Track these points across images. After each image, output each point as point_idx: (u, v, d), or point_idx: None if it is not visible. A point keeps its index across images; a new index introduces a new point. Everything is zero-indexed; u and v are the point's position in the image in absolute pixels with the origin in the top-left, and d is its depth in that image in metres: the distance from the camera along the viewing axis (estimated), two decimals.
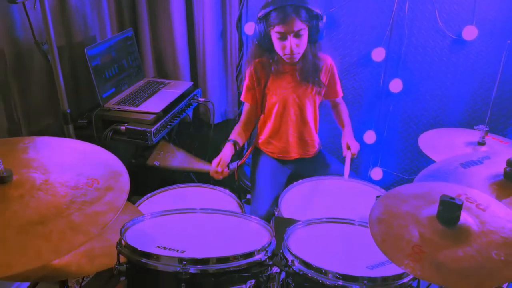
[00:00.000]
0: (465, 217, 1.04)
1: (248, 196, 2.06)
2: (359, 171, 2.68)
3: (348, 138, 1.97)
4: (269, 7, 1.76)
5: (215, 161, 1.79)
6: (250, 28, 2.42)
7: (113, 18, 2.39)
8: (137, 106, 2.14)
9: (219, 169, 1.77)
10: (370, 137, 2.55)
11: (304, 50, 1.85)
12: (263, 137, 2.05)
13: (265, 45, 1.85)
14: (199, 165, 1.81)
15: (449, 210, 1.00)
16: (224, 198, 1.71)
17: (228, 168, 1.80)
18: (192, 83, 2.49)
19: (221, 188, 1.75)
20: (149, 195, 1.70)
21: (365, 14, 2.32)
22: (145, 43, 2.53)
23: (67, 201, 1.05)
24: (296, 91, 1.93)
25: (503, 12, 2.16)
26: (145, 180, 2.16)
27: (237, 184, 2.23)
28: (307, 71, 1.89)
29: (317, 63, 1.91)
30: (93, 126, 2.07)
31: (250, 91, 1.97)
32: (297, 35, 1.78)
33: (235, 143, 1.90)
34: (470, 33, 2.21)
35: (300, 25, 1.76)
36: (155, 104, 2.17)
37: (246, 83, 1.98)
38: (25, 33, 1.91)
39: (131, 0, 2.48)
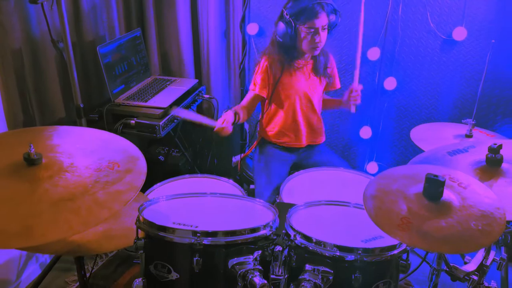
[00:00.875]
0: (448, 194, 1.16)
1: (252, 186, 2.17)
2: (356, 166, 2.80)
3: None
4: (300, 4, 1.88)
5: (220, 120, 1.93)
6: (252, 28, 2.55)
7: (121, 18, 2.49)
8: (146, 101, 2.25)
9: (225, 124, 1.91)
10: (366, 132, 2.67)
11: None
12: (275, 129, 2.14)
13: (290, 42, 1.95)
14: (207, 120, 1.96)
15: (434, 187, 1.13)
16: (229, 188, 1.79)
17: (233, 124, 1.96)
18: (197, 80, 2.58)
19: (226, 179, 1.83)
20: (157, 185, 1.77)
21: None
22: (151, 42, 2.63)
23: (92, 181, 1.17)
24: (307, 84, 2.08)
25: (490, 13, 2.28)
26: (150, 174, 2.24)
27: (240, 175, 2.33)
28: (319, 65, 2.06)
29: (325, 57, 2.08)
30: (104, 120, 2.17)
31: (266, 86, 2.06)
32: (324, 28, 1.93)
33: (235, 113, 2.00)
34: (460, 34, 2.33)
35: (327, 19, 1.92)
36: (162, 99, 2.28)
37: (261, 77, 2.06)
38: (40, 32, 2.01)
39: (138, 2, 2.58)
